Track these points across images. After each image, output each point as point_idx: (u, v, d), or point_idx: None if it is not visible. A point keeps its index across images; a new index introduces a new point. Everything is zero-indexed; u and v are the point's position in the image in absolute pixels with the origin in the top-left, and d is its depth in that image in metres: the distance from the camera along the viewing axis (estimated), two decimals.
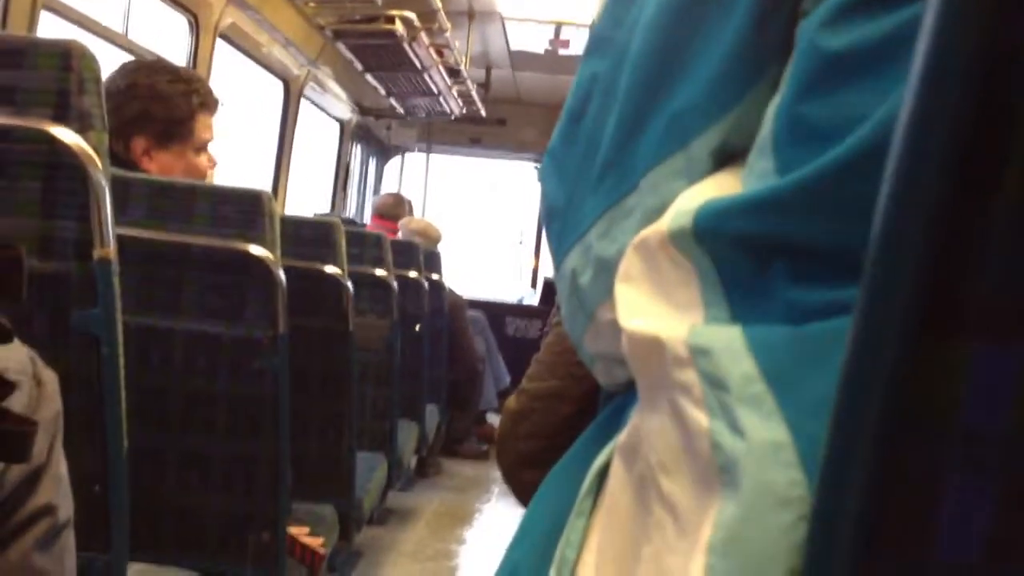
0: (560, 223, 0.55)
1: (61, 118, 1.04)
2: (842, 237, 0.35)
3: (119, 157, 1.81)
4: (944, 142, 0.24)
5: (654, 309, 0.42)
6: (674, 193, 0.45)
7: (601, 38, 0.53)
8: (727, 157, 0.45)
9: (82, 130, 1.05)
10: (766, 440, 0.34)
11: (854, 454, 0.26)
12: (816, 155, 0.37)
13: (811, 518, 0.29)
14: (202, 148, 1.95)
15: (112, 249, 1.07)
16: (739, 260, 0.39)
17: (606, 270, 0.49)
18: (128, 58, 2.56)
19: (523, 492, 1.85)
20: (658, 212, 0.45)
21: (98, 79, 1.07)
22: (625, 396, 0.52)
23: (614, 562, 0.43)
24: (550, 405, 1.77)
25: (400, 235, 4.54)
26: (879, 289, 0.26)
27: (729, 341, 0.37)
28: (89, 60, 1.06)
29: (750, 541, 0.33)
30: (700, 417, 0.36)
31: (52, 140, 1.03)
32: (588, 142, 0.51)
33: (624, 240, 0.48)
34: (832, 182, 0.36)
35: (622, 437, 0.45)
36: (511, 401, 1.84)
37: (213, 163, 2.00)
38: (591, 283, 0.51)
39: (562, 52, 5.25)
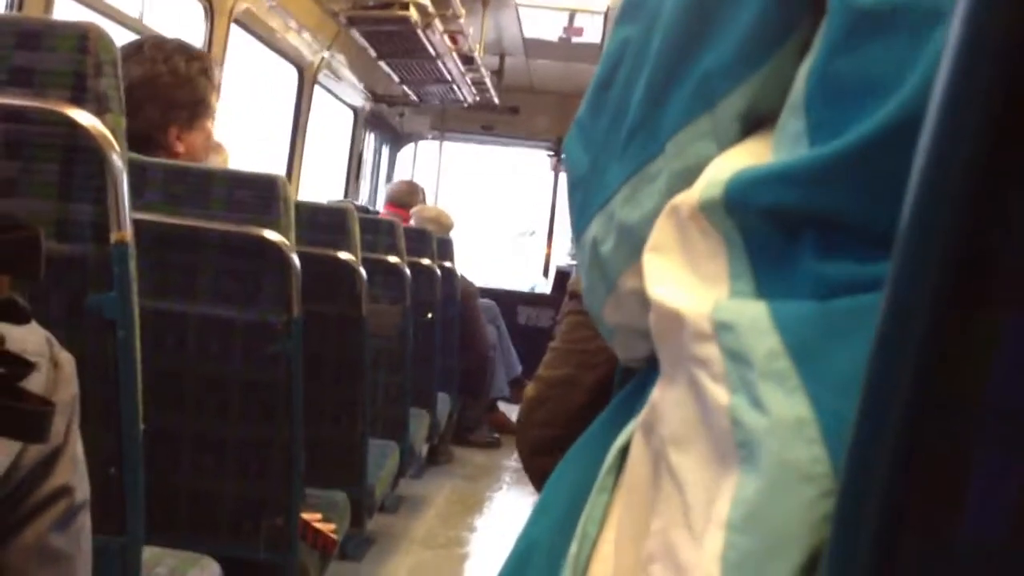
0: (583, 192, 0.54)
1: (78, 100, 1.05)
2: (873, 211, 0.35)
3: (156, 141, 1.83)
4: (977, 114, 0.24)
5: (681, 280, 0.42)
6: (701, 155, 0.44)
7: (633, 3, 0.52)
8: (756, 122, 0.44)
9: (99, 112, 1.05)
10: (789, 416, 0.33)
11: (883, 429, 0.26)
12: (846, 115, 0.36)
13: (837, 495, 0.29)
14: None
15: (129, 232, 1.07)
16: (768, 233, 0.39)
17: (629, 237, 0.49)
18: None
19: (539, 478, 1.86)
20: (684, 175, 0.44)
21: (115, 62, 1.07)
22: (646, 374, 0.52)
23: (633, 539, 0.43)
24: (564, 392, 1.77)
25: (413, 223, 4.54)
26: (910, 262, 0.25)
27: (754, 317, 0.36)
28: (106, 43, 1.06)
29: (771, 518, 0.33)
30: (720, 392, 0.36)
31: (69, 122, 1.03)
32: (616, 109, 0.51)
33: (648, 205, 0.47)
34: (864, 155, 0.35)
35: (643, 414, 0.45)
36: (529, 388, 1.85)
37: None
38: (613, 251, 0.51)
39: (576, 40, 5.24)
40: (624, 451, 0.47)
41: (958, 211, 0.24)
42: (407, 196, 4.91)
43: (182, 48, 1.92)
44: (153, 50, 1.89)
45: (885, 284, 0.26)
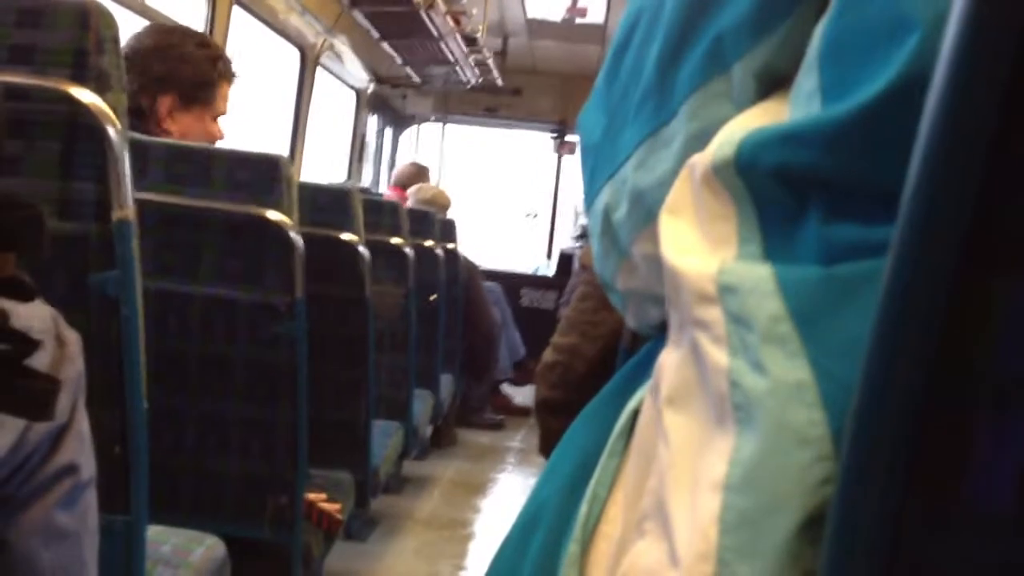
0: (594, 158, 0.54)
1: (79, 78, 1.04)
2: (882, 173, 0.35)
3: (145, 113, 1.85)
4: (987, 73, 0.24)
5: (692, 242, 0.42)
6: (717, 117, 0.44)
7: None
8: (774, 82, 0.43)
9: (100, 90, 1.04)
10: (789, 380, 0.33)
11: (888, 395, 0.26)
12: (856, 72, 0.36)
13: (842, 461, 0.29)
14: (218, 117, 1.97)
15: (131, 210, 1.07)
16: (777, 195, 0.39)
17: (642, 201, 0.49)
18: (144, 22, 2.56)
19: (545, 436, 1.93)
20: (700, 138, 0.44)
21: (116, 39, 1.07)
22: (658, 341, 0.52)
23: (638, 499, 0.43)
24: (570, 360, 1.82)
25: (409, 203, 4.51)
26: (917, 224, 0.25)
27: (759, 280, 0.36)
28: (107, 20, 1.06)
29: (768, 479, 0.33)
30: (719, 355, 0.36)
31: (71, 100, 1.03)
32: (631, 74, 0.51)
33: (662, 169, 0.47)
34: (873, 116, 0.35)
35: (652, 377, 0.45)
36: (546, 352, 1.91)
37: (221, 135, 2.02)
38: (626, 217, 0.50)
39: (579, 21, 5.21)
40: (635, 415, 0.47)
41: (966, 174, 0.24)
42: (414, 178, 4.89)
43: (196, 35, 1.95)
44: (170, 28, 1.96)
45: (890, 248, 0.26)
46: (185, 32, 1.97)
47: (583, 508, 0.47)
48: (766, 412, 0.34)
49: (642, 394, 0.47)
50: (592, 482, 0.48)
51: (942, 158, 0.25)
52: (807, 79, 0.40)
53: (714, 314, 0.37)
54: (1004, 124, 0.24)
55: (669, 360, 0.42)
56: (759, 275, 0.36)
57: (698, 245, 0.41)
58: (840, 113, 0.36)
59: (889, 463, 0.26)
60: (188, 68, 1.88)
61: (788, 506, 0.32)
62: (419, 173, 4.96)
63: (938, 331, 0.25)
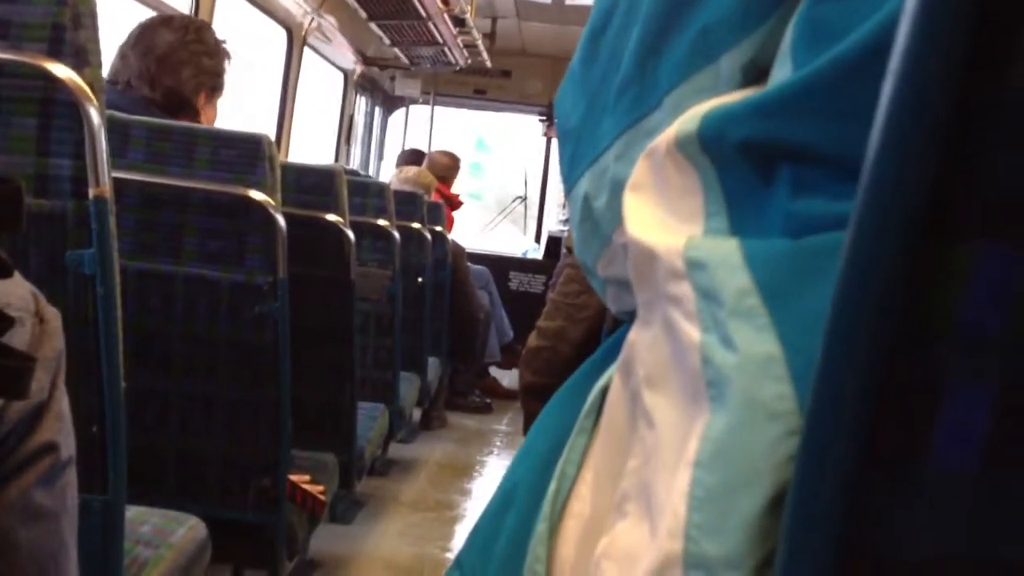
0: (573, 144, 0.53)
1: (56, 53, 1.03)
2: (846, 141, 0.34)
3: (194, 107, 1.88)
4: (948, 38, 0.23)
5: (657, 219, 0.41)
6: None
7: None
8: (758, 74, 0.43)
9: (77, 66, 1.03)
10: (758, 354, 0.33)
11: (850, 361, 0.26)
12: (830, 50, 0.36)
13: (803, 430, 0.29)
14: None
15: (108, 187, 1.06)
16: (743, 168, 0.38)
17: (623, 192, 0.48)
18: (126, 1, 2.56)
19: (532, 422, 1.95)
20: None
21: (94, 14, 1.05)
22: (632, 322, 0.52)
23: (609, 478, 0.43)
24: (556, 344, 1.84)
25: (393, 186, 4.47)
26: (878, 188, 0.25)
27: (726, 254, 0.36)
28: None
29: (737, 455, 0.32)
30: (691, 331, 0.36)
31: (47, 75, 1.02)
32: (609, 59, 0.50)
33: None
34: (835, 80, 0.35)
35: (620, 356, 0.45)
36: (531, 337, 1.92)
37: None
38: (607, 207, 0.50)
39: (569, 2, 5.19)
40: (604, 393, 0.47)
41: (929, 136, 0.24)
42: (446, 170, 4.85)
43: (208, 26, 1.99)
44: (183, 20, 1.95)
45: (851, 214, 0.26)
46: (197, 23, 1.98)
47: (552, 486, 0.47)
48: (735, 387, 0.33)
49: (611, 372, 0.47)
50: (561, 460, 0.48)
51: (904, 122, 0.24)
52: (780, 69, 0.40)
53: (684, 289, 0.37)
54: (965, 88, 0.23)
55: (642, 339, 0.42)
56: (726, 249, 0.36)
57: (663, 221, 0.41)
58: (801, 78, 0.36)
59: (850, 432, 0.26)
60: (215, 61, 1.91)
61: (757, 482, 0.32)
62: (453, 164, 4.90)
63: (900, 297, 0.25)
